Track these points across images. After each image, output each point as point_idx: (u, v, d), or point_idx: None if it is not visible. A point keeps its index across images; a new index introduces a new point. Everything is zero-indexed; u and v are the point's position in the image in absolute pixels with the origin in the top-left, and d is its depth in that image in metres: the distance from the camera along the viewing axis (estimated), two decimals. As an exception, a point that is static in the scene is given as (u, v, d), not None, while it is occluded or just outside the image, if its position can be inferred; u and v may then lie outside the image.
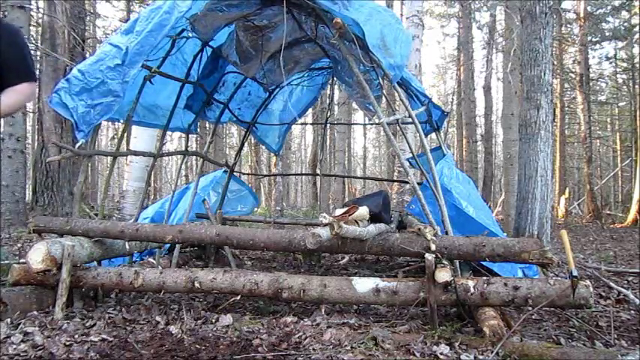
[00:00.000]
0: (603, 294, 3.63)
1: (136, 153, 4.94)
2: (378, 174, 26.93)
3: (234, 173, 5.82)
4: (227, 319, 2.74)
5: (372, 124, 10.84)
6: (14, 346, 2.26)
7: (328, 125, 7.41)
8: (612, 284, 3.82)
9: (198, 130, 8.06)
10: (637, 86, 15.67)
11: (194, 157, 12.85)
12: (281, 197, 11.39)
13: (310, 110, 10.19)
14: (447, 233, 3.07)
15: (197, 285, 2.86)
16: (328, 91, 6.59)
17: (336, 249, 3.01)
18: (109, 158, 4.32)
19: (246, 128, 5.76)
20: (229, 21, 3.85)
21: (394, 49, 3.13)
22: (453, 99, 18.34)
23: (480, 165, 18.27)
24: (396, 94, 3.49)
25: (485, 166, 15.59)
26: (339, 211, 2.99)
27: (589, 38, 15.64)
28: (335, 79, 5.38)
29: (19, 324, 2.56)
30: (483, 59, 16.91)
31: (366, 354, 2.24)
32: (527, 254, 2.62)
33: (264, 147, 8.79)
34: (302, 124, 10.68)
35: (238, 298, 2.91)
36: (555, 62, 14.79)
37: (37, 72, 10.55)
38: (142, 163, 7.17)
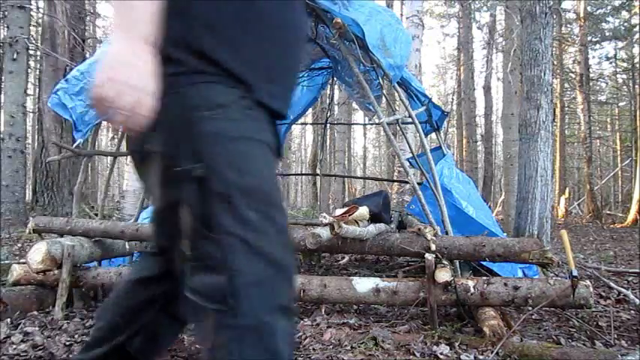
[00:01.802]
0: (603, 294, 3.63)
1: (136, 153, 4.94)
2: (378, 174, 26.92)
3: (234, 173, 5.81)
4: (227, 319, 2.73)
5: (372, 124, 10.84)
6: (14, 346, 2.26)
7: (328, 125, 7.41)
8: (612, 284, 3.81)
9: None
10: (637, 86, 15.68)
11: (194, 157, 12.83)
12: (281, 197, 11.38)
13: (310, 110, 10.19)
14: (447, 233, 3.07)
15: (197, 285, 2.85)
16: (328, 91, 6.58)
17: (336, 249, 3.01)
18: (109, 158, 4.32)
19: (246, 128, 5.75)
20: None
21: (394, 49, 3.13)
22: (453, 99, 18.35)
23: (479, 165, 18.27)
24: (396, 94, 3.49)
25: (485, 166, 15.60)
26: (339, 211, 2.99)
27: (589, 38, 15.65)
28: (335, 79, 5.37)
29: (19, 324, 2.56)
30: (483, 59, 16.93)
31: (366, 354, 2.24)
32: (527, 254, 2.62)
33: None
34: (302, 124, 10.68)
35: (238, 298, 2.91)
36: (555, 62, 14.80)
37: (38, 72, 10.56)
38: (142, 163, 7.16)
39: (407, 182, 3.48)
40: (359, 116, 24.38)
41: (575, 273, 2.42)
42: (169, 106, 0.94)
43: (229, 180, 0.94)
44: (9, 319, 2.59)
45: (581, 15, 14.15)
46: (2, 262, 3.64)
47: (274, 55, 1.06)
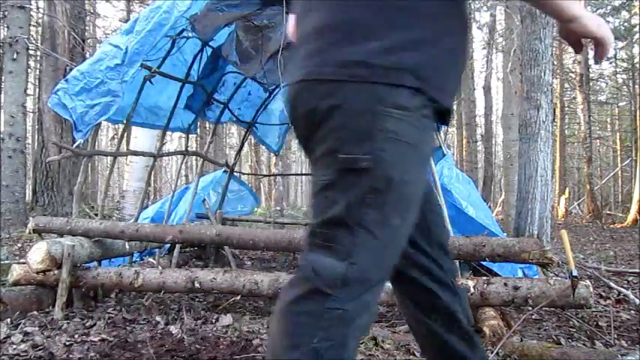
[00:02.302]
0: (603, 294, 3.63)
1: (136, 153, 4.95)
2: (378, 174, 26.81)
3: (234, 173, 5.82)
4: (227, 319, 2.74)
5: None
6: (14, 346, 2.26)
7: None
8: (612, 284, 3.82)
9: (198, 130, 8.07)
10: (637, 86, 15.68)
11: (194, 157, 12.85)
12: (281, 197, 11.38)
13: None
14: (447, 233, 3.07)
15: (197, 285, 2.86)
16: (328, 91, 6.57)
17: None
18: (109, 158, 4.32)
19: (246, 128, 5.76)
20: (229, 21, 3.85)
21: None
22: (453, 99, 18.27)
23: (479, 165, 18.24)
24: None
25: (485, 166, 15.59)
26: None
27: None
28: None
29: (19, 324, 2.56)
30: (483, 59, 16.92)
31: (366, 354, 2.24)
32: (527, 254, 2.62)
33: (264, 147, 8.79)
34: (302, 124, 10.66)
35: (238, 298, 2.91)
36: (555, 62, 14.80)
37: (38, 72, 10.56)
38: (142, 163, 7.17)
39: (407, 182, 3.48)
40: (359, 116, 24.34)
41: (575, 273, 2.42)
42: (358, 93, 0.97)
43: (390, 180, 0.97)
44: (9, 319, 2.59)
45: (581, 15, 14.10)
46: (2, 262, 3.64)
47: (452, 64, 1.10)
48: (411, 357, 2.23)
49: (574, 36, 1.11)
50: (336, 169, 0.98)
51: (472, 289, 2.57)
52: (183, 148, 5.04)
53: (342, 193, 0.97)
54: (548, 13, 1.11)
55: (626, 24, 16.06)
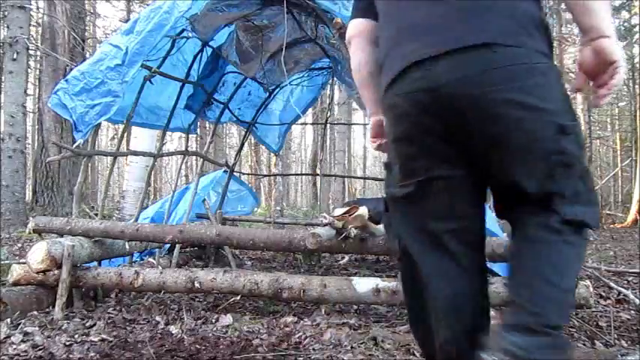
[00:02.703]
0: (603, 294, 3.63)
1: (136, 153, 4.95)
2: (378, 174, 26.84)
3: (234, 173, 5.82)
4: (227, 319, 2.74)
5: (372, 124, 10.80)
6: (14, 346, 2.27)
7: (328, 125, 7.40)
8: (612, 284, 3.81)
9: (198, 130, 8.07)
10: (637, 86, 15.68)
11: (194, 157, 12.85)
12: (281, 197, 11.38)
13: (310, 110, 10.18)
14: (447, 233, 3.06)
15: (197, 285, 2.86)
16: (328, 91, 6.58)
17: (336, 249, 3.01)
18: (109, 158, 4.32)
19: (246, 128, 5.76)
20: (229, 21, 3.85)
21: (394, 49, 3.12)
22: (453, 99, 18.26)
23: (479, 165, 18.22)
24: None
25: (485, 166, 15.55)
26: (339, 211, 2.99)
27: (589, 38, 15.60)
28: (335, 79, 5.38)
29: (19, 324, 2.56)
30: (483, 59, 16.85)
31: (366, 354, 2.24)
32: (527, 254, 2.61)
33: (264, 147, 8.79)
34: (302, 124, 10.67)
35: (238, 298, 2.91)
36: (555, 62, 14.77)
37: (38, 72, 10.57)
38: (142, 163, 7.16)
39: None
40: (359, 116, 24.34)
41: (575, 273, 2.41)
42: (556, 73, 1.21)
43: (581, 132, 1.23)
44: (9, 319, 2.59)
45: (581, 15, 14.08)
46: (2, 262, 3.64)
47: None
48: (411, 357, 2.23)
49: (599, 56, 1.16)
50: (558, 137, 1.14)
51: (472, 289, 2.57)
52: (183, 148, 5.03)
53: (572, 154, 1.15)
54: (590, 20, 1.16)
55: (626, 24, 16.07)
